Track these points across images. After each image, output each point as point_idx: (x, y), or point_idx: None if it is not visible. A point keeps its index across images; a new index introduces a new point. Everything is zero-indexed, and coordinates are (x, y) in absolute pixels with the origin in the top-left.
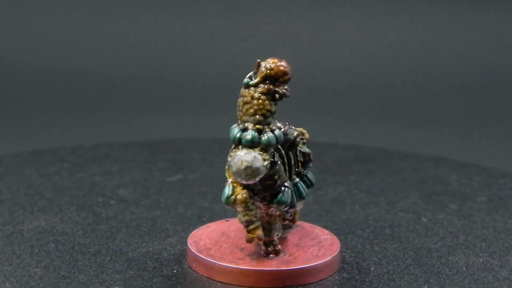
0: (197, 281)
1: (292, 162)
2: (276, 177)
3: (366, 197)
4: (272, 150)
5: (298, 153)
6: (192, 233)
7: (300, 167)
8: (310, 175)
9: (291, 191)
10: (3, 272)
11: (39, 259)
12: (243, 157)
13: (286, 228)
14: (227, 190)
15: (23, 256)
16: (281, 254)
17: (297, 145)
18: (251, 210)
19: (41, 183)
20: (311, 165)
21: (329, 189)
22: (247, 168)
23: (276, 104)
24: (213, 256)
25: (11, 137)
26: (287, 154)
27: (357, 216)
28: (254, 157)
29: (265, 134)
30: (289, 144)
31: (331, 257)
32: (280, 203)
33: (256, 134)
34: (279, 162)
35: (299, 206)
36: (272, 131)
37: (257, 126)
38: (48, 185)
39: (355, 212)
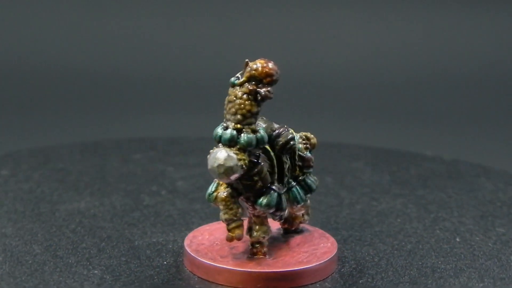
0: (176, 275)
1: (286, 166)
2: (256, 178)
3: (417, 212)
4: (258, 151)
5: (297, 157)
6: (197, 228)
7: (298, 171)
8: (309, 180)
9: (279, 194)
10: (5, 245)
11: (48, 237)
12: (217, 155)
13: (295, 231)
14: (210, 187)
15: (37, 233)
16: (266, 256)
17: (291, 149)
18: (231, 209)
19: (113, 168)
20: (311, 170)
21: (386, 201)
22: (219, 166)
23: (259, 105)
24: (197, 252)
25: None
26: (279, 157)
27: (391, 230)
28: (228, 155)
29: (244, 134)
30: (280, 146)
31: (314, 265)
32: (263, 205)
33: (235, 133)
34: (261, 164)
35: (300, 211)
36: (254, 131)
37: (237, 125)
38: (118, 171)
39: (391, 225)
